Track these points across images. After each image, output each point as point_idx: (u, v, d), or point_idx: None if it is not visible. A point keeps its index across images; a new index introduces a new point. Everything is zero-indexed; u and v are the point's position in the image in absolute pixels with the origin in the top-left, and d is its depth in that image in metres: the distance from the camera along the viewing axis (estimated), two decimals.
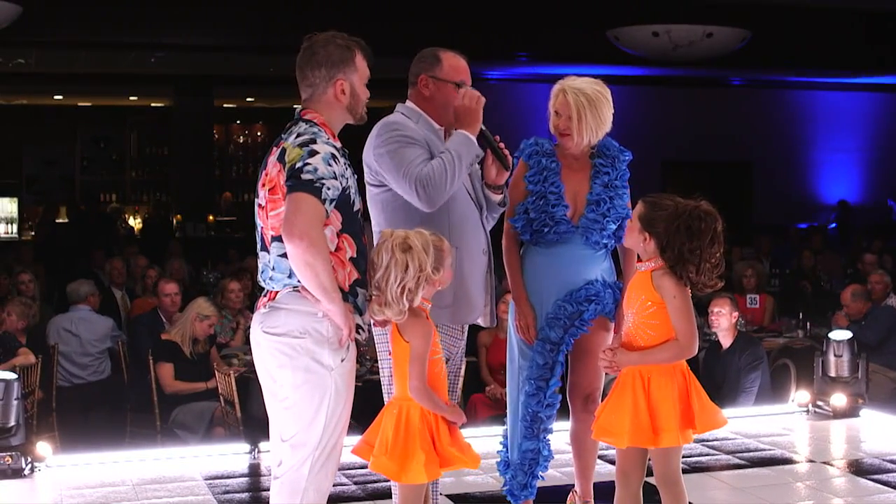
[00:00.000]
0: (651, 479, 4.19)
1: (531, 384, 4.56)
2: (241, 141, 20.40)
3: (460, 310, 4.38)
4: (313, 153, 3.58)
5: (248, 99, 19.44)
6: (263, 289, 3.75)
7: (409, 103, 4.46)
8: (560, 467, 5.65)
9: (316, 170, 3.55)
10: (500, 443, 4.82)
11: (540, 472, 4.67)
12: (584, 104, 4.48)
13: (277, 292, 3.66)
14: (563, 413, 4.70)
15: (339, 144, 3.73)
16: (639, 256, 4.23)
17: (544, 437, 4.61)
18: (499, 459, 4.81)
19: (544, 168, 4.54)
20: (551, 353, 4.52)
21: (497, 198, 4.51)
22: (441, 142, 4.42)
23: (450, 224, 4.28)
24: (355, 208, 3.72)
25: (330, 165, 3.58)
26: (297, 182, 3.54)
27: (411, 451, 3.81)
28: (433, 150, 4.30)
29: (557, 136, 4.57)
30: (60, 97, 18.86)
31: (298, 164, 3.55)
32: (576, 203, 4.54)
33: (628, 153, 4.67)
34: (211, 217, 17.46)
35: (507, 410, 4.77)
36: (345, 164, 3.69)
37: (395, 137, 4.24)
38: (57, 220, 16.88)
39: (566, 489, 4.98)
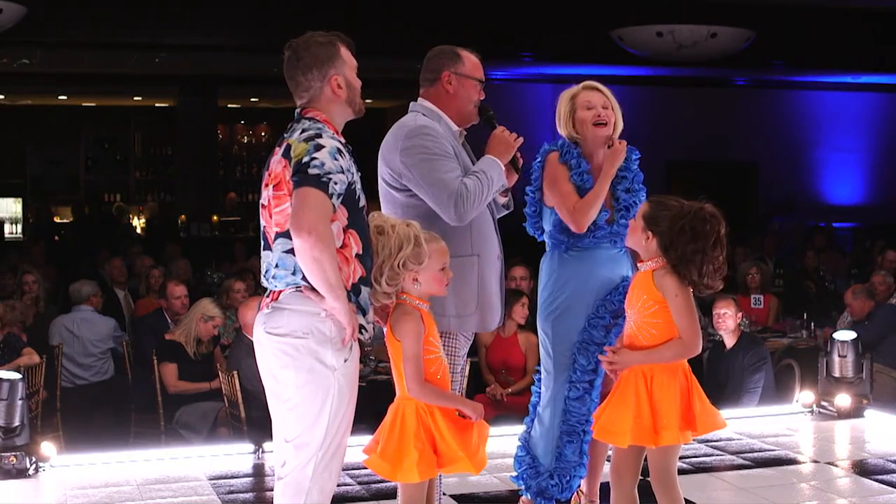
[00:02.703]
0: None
1: (576, 388, 4.55)
2: (246, 141, 20.41)
3: (485, 316, 4.40)
4: (319, 147, 3.57)
5: (253, 99, 19.44)
6: (266, 289, 3.75)
7: (424, 103, 4.42)
8: None
9: (323, 164, 3.54)
10: (519, 447, 4.79)
11: (583, 473, 4.68)
12: (612, 98, 4.60)
13: (280, 292, 3.65)
14: None
15: (343, 140, 3.73)
16: (639, 256, 4.23)
17: (587, 438, 4.59)
18: (516, 466, 4.78)
19: (584, 171, 4.57)
20: (594, 353, 4.51)
21: (503, 200, 4.54)
22: (458, 142, 4.42)
23: (471, 232, 4.30)
24: (360, 204, 3.71)
25: (336, 160, 3.58)
26: (304, 177, 3.53)
27: (404, 450, 3.82)
28: (458, 154, 4.32)
29: (589, 130, 4.56)
30: (65, 97, 18.87)
31: (305, 159, 3.55)
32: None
33: (635, 151, 4.69)
34: (215, 217, 17.46)
35: (543, 417, 4.70)
36: (350, 159, 3.68)
37: (430, 145, 4.23)
38: (54, 221, 16.88)
39: None
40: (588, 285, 4.55)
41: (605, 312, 4.52)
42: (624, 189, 4.61)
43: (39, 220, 16.69)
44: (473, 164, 4.36)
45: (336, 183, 3.55)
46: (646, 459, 4.18)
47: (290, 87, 3.82)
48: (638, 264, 4.24)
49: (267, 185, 3.68)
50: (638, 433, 4.02)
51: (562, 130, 4.65)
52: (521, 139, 4.37)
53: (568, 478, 4.62)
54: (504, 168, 4.31)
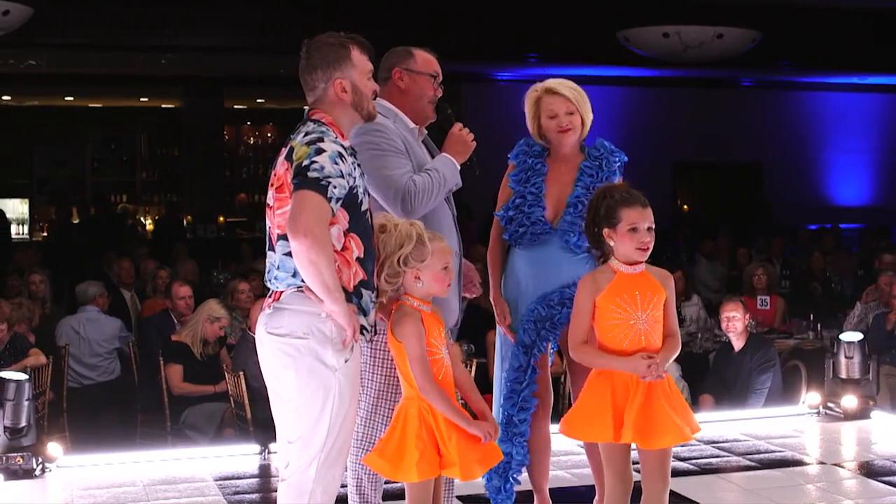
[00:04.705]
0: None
1: (507, 386, 4.55)
2: (252, 142, 20.41)
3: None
4: (320, 151, 3.58)
5: (259, 100, 19.45)
6: (269, 289, 3.75)
7: (382, 101, 4.39)
8: (570, 468, 5.64)
9: (322, 168, 3.55)
10: None
11: (515, 476, 4.60)
12: (579, 97, 4.53)
13: (282, 293, 3.66)
14: None
15: (347, 144, 3.73)
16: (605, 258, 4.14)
17: (519, 441, 4.54)
18: None
19: (528, 168, 4.55)
20: (525, 355, 4.50)
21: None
22: (416, 140, 4.43)
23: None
24: (363, 208, 3.72)
25: (336, 164, 3.58)
26: (304, 179, 3.54)
27: (405, 449, 3.82)
28: (410, 151, 4.32)
29: (555, 137, 4.54)
30: (71, 98, 18.90)
31: (305, 163, 3.56)
32: (558, 205, 4.49)
33: (619, 154, 4.60)
34: (221, 218, 17.49)
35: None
36: (353, 163, 3.68)
37: (379, 141, 4.24)
38: (71, 222, 16.93)
39: (577, 490, 4.97)
40: (523, 288, 4.52)
41: (534, 317, 4.46)
42: (584, 186, 4.47)
43: (60, 220, 16.72)
44: None
45: (335, 187, 3.56)
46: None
47: (302, 84, 3.83)
48: (623, 266, 4.03)
49: (272, 186, 3.69)
50: (604, 430, 3.99)
51: (530, 128, 4.64)
52: (475, 142, 4.38)
53: (500, 476, 4.59)
54: (458, 167, 4.32)
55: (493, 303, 4.64)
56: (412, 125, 4.44)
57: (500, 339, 4.67)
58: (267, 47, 14.14)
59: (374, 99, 3.88)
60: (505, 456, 4.56)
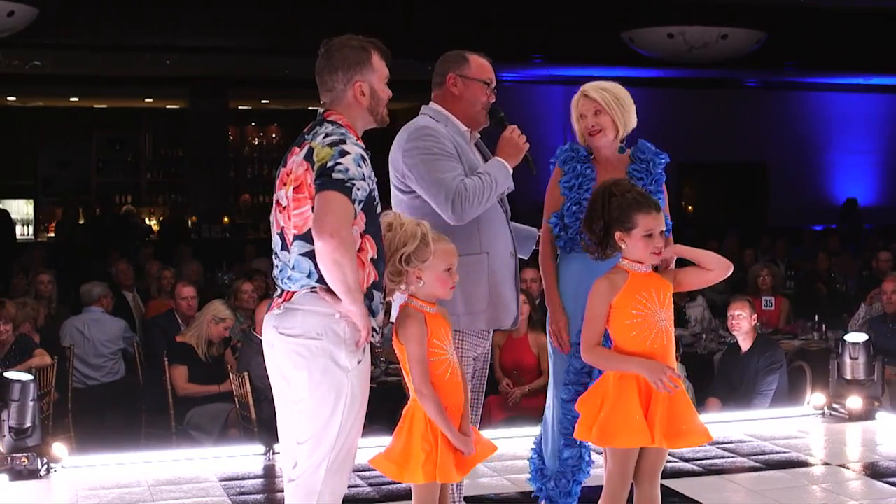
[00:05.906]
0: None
1: (569, 390, 4.47)
2: (256, 143, 20.44)
3: (498, 314, 4.41)
4: (344, 153, 3.58)
5: (263, 101, 19.47)
6: (277, 289, 3.75)
7: (434, 105, 4.48)
8: None
9: (347, 170, 3.55)
10: (532, 450, 4.74)
11: (583, 479, 4.58)
12: (609, 98, 4.49)
13: (293, 293, 3.65)
14: None
15: (364, 146, 3.74)
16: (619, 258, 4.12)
17: (585, 443, 4.49)
18: (529, 468, 4.71)
19: (580, 174, 4.51)
20: None
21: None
22: (468, 144, 4.45)
23: (479, 229, 4.32)
24: (378, 210, 3.73)
25: (360, 167, 3.59)
26: (328, 180, 3.53)
27: (411, 451, 3.81)
28: (462, 154, 4.33)
29: (587, 139, 4.53)
30: (76, 99, 18.93)
31: (329, 164, 3.55)
32: None
33: (664, 156, 4.59)
34: (226, 219, 17.50)
35: (546, 419, 4.67)
36: (370, 166, 3.70)
37: (431, 146, 4.26)
38: (77, 222, 16.96)
39: (587, 490, 4.95)
40: (584, 290, 4.36)
41: None
42: None
43: (66, 221, 16.74)
44: None
45: (359, 189, 3.56)
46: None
47: (318, 84, 3.83)
48: (635, 265, 4.01)
49: (285, 185, 3.68)
50: (643, 434, 3.97)
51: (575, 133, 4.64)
52: (528, 144, 4.39)
53: (566, 482, 4.55)
54: (510, 170, 4.33)
55: (551, 314, 4.55)
56: (464, 128, 4.46)
57: (553, 349, 4.57)
58: (271, 48, 14.15)
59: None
60: (572, 460, 4.53)
